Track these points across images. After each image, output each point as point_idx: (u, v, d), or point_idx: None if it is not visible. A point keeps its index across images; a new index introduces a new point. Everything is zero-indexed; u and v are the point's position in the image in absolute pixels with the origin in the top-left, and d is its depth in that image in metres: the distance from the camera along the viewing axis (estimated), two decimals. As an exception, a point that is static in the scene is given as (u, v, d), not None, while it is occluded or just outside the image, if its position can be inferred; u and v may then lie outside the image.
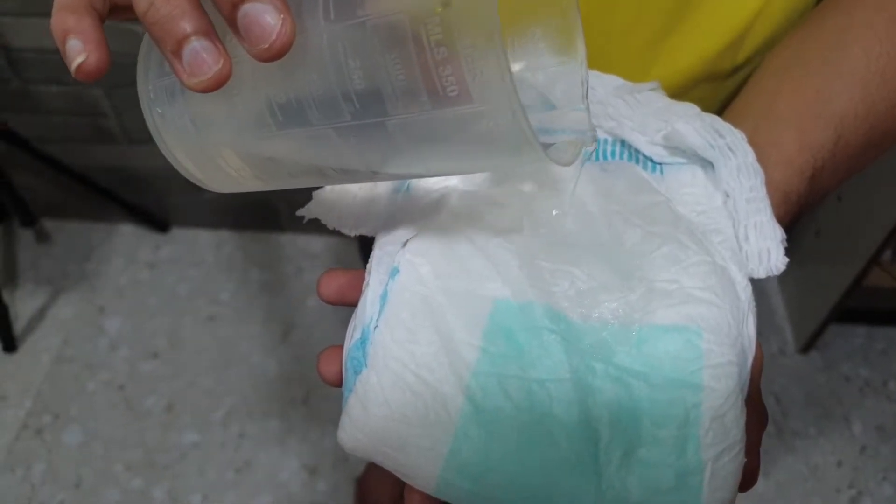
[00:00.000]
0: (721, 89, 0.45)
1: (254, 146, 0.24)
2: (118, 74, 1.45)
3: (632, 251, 0.27)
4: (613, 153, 0.32)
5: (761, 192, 0.29)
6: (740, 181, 0.29)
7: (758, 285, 1.42)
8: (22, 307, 1.48)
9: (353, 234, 0.30)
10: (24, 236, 1.59)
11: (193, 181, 0.27)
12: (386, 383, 0.24)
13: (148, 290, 1.52)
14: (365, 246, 0.29)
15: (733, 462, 0.23)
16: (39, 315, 1.47)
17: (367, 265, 0.28)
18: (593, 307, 0.25)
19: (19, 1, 1.16)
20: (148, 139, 1.20)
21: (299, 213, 0.31)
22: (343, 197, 0.30)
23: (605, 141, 0.32)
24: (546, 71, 0.27)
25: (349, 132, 0.21)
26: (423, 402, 0.24)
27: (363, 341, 0.26)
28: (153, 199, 1.56)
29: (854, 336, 1.47)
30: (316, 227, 1.58)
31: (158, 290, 1.52)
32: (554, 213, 0.27)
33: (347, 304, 0.29)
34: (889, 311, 1.44)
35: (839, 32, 0.36)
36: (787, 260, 0.28)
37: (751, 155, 0.30)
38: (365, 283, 0.28)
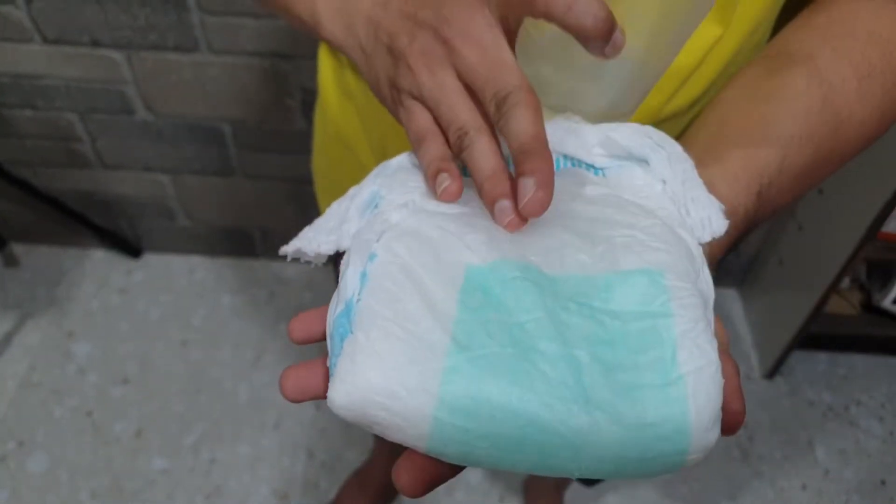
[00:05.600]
0: (680, 125, 0.48)
1: None
2: (93, 99, 1.45)
3: (588, 219, 0.29)
4: (558, 165, 0.34)
5: (693, 174, 0.32)
6: (672, 168, 0.32)
7: (723, 312, 1.45)
8: (-11, 332, 1.46)
9: (331, 252, 0.31)
10: (-7, 260, 1.58)
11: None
12: (374, 338, 0.25)
13: (119, 316, 1.51)
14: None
15: (713, 379, 0.24)
16: (6, 340, 1.45)
17: (344, 259, 0.30)
18: (560, 262, 0.27)
19: (-5, 26, 1.16)
20: (122, 164, 1.22)
21: (282, 251, 0.32)
22: (319, 231, 0.32)
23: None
24: None
25: None
26: (411, 347, 0.24)
27: (347, 311, 0.27)
28: (126, 225, 1.56)
29: (817, 362, 1.51)
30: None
31: (130, 315, 1.51)
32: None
33: (321, 339, 0.30)
34: (849, 337, 1.48)
35: (785, 66, 0.39)
36: (727, 222, 0.30)
37: (677, 147, 0.32)
38: (344, 265, 0.29)
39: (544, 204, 0.27)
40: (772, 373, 1.46)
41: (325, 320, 0.29)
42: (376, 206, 0.32)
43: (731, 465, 1.34)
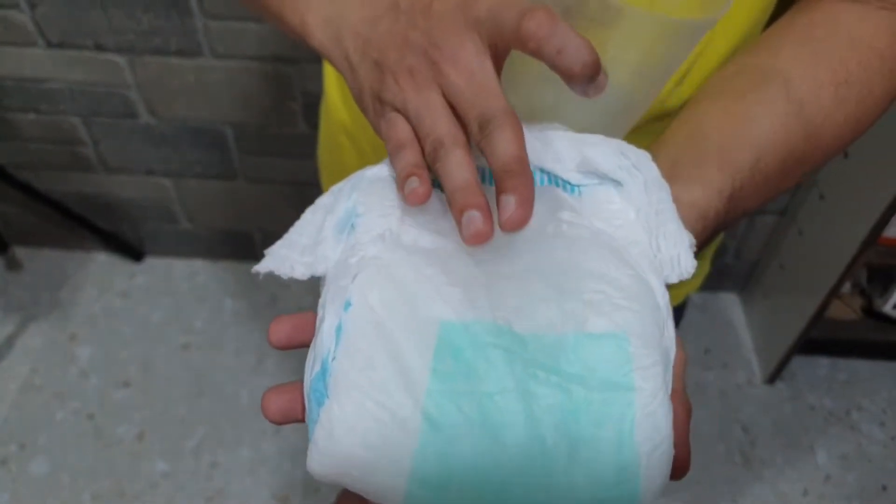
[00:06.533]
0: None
1: None
2: (96, 103, 1.46)
3: (560, 267, 0.29)
4: (536, 180, 0.34)
5: (668, 203, 0.32)
6: (648, 196, 0.32)
7: (724, 317, 1.45)
8: (-9, 335, 1.46)
9: (306, 278, 0.31)
10: (-4, 264, 1.59)
11: None
12: (348, 412, 0.26)
13: (121, 319, 1.51)
14: None
15: (665, 454, 0.26)
16: (8, 343, 1.45)
17: (321, 300, 0.30)
18: (532, 319, 0.27)
19: None
20: (124, 168, 1.22)
21: (254, 270, 0.32)
22: (292, 248, 0.32)
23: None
24: None
25: None
26: (384, 425, 0.25)
27: (323, 373, 0.27)
28: (128, 228, 1.56)
29: (818, 367, 1.50)
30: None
31: (132, 318, 1.51)
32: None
33: (297, 346, 0.31)
34: (851, 342, 1.48)
35: (765, 68, 0.40)
36: (695, 263, 0.31)
37: (655, 171, 0.33)
38: (319, 317, 0.30)
39: (523, 221, 0.27)
40: (773, 378, 1.46)
41: (302, 328, 0.30)
42: (353, 227, 0.32)
43: (733, 469, 1.34)
